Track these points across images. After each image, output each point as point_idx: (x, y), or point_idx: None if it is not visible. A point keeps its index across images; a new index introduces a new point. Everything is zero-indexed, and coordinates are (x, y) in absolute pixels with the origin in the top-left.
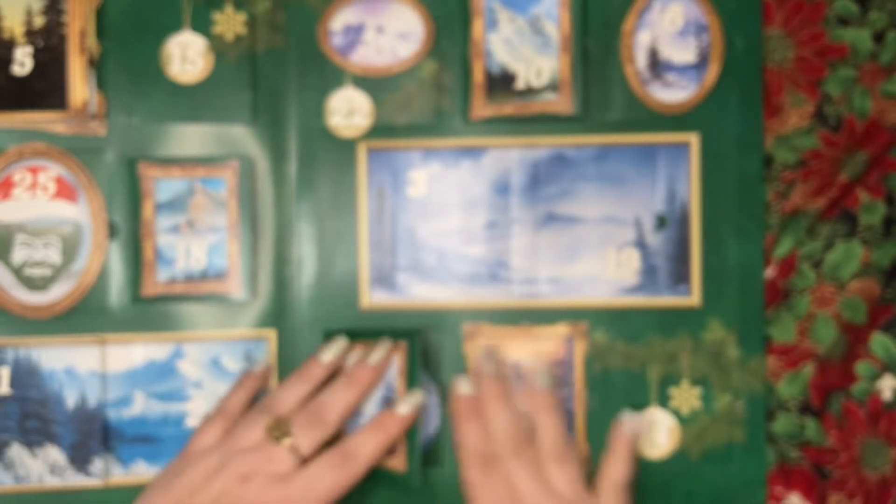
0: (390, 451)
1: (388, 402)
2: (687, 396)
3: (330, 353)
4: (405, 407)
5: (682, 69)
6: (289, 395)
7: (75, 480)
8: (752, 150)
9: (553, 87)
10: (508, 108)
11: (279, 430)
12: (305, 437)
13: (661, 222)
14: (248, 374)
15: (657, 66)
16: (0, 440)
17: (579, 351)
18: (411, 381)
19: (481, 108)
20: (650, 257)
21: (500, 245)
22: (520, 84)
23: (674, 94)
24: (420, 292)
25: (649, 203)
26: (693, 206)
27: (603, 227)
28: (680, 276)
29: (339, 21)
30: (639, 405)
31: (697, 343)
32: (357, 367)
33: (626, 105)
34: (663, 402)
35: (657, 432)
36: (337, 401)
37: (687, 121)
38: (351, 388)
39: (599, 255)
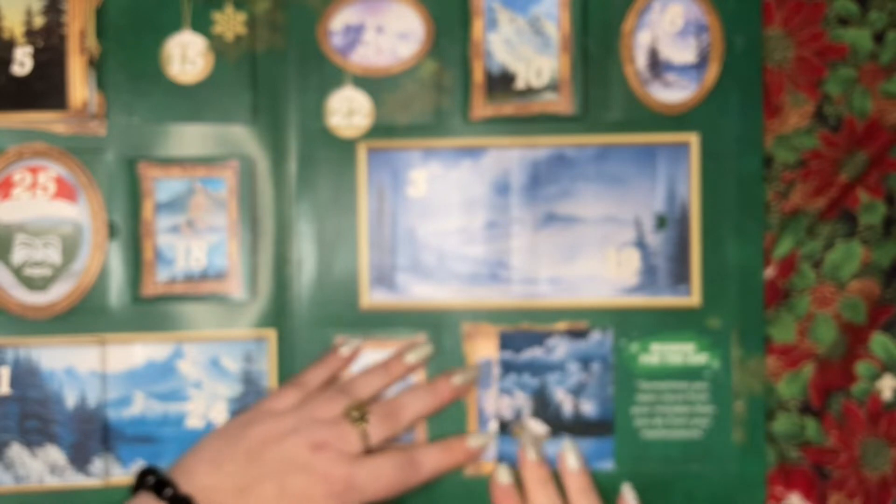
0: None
1: None
2: None
3: (415, 356)
4: (477, 441)
5: (682, 69)
6: (369, 384)
7: (75, 480)
8: (752, 150)
9: (553, 87)
10: (508, 107)
11: (358, 412)
12: (377, 429)
13: (661, 222)
14: (334, 353)
15: (657, 66)
16: (0, 440)
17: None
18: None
19: (481, 108)
20: (650, 257)
21: (500, 245)
22: (520, 84)
23: (674, 93)
24: (420, 292)
25: (649, 203)
26: (693, 206)
27: (603, 227)
28: (680, 276)
29: (339, 21)
30: None
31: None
32: (441, 381)
33: (626, 105)
34: None
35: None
36: (414, 405)
37: (687, 121)
38: (430, 397)
39: (599, 254)
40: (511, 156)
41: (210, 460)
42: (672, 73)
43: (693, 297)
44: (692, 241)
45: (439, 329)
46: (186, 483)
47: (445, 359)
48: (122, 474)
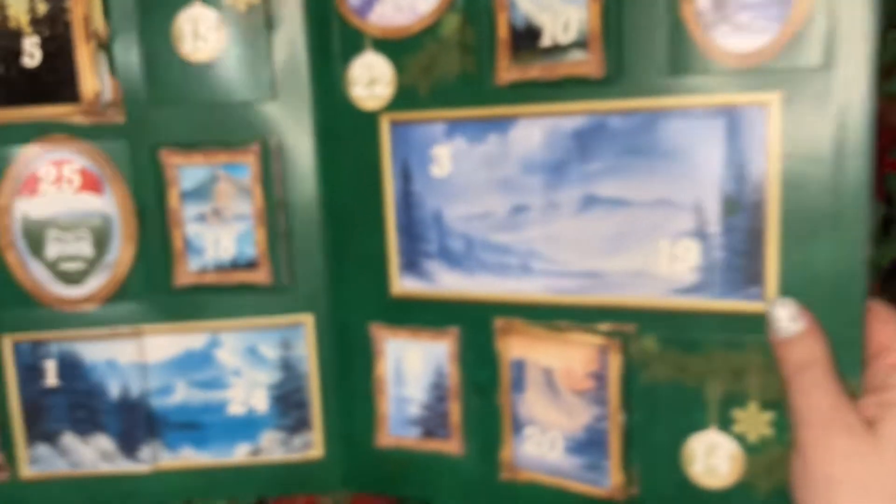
0: None
1: (438, 389)
2: (755, 421)
3: None
4: None
5: (760, 5)
6: None
7: (126, 466)
8: None
9: (581, 43)
10: (534, 70)
11: None
12: None
13: (729, 207)
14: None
15: (725, 2)
16: (54, 429)
17: (615, 363)
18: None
19: (507, 70)
20: (712, 251)
21: (531, 232)
22: (545, 40)
23: (747, 40)
24: (449, 281)
25: (713, 183)
26: (771, 187)
27: (654, 213)
28: (750, 276)
29: None
30: (694, 427)
31: (770, 358)
32: None
33: (682, 58)
34: (725, 425)
35: (717, 458)
36: None
37: (765, 75)
38: None
39: (649, 246)
40: (543, 126)
41: None
42: (746, 11)
43: (767, 303)
44: (768, 232)
45: (470, 323)
46: None
47: (478, 356)
48: (171, 459)
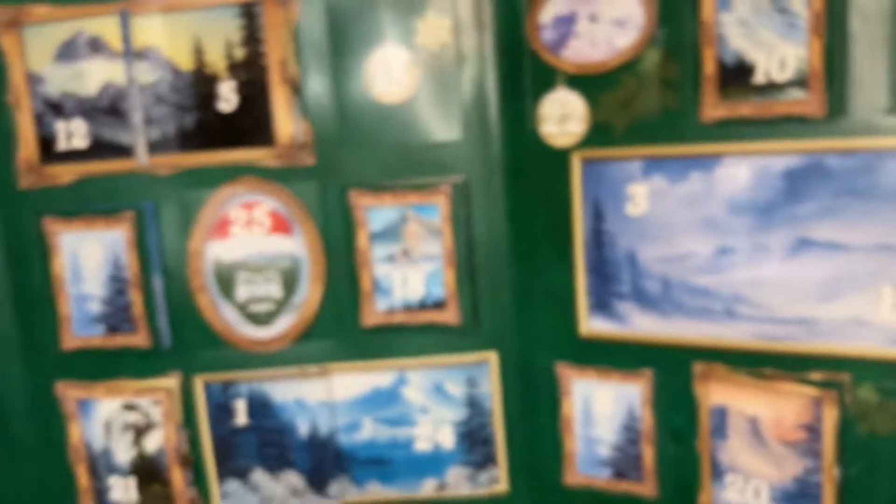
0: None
1: (630, 431)
2: None
3: None
4: None
5: None
6: None
7: (315, 501)
8: None
9: (800, 81)
10: (745, 107)
11: None
12: None
13: None
14: None
15: None
16: (244, 465)
17: (830, 415)
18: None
19: (713, 106)
20: None
21: (738, 275)
22: (759, 77)
23: None
24: (643, 324)
25: None
26: None
27: (874, 258)
28: None
29: (549, 12)
30: None
31: None
32: None
33: None
34: None
35: None
36: None
37: None
38: None
39: (869, 292)
40: (751, 166)
41: None
42: None
43: None
44: None
45: (666, 366)
46: None
47: (674, 400)
48: (358, 494)
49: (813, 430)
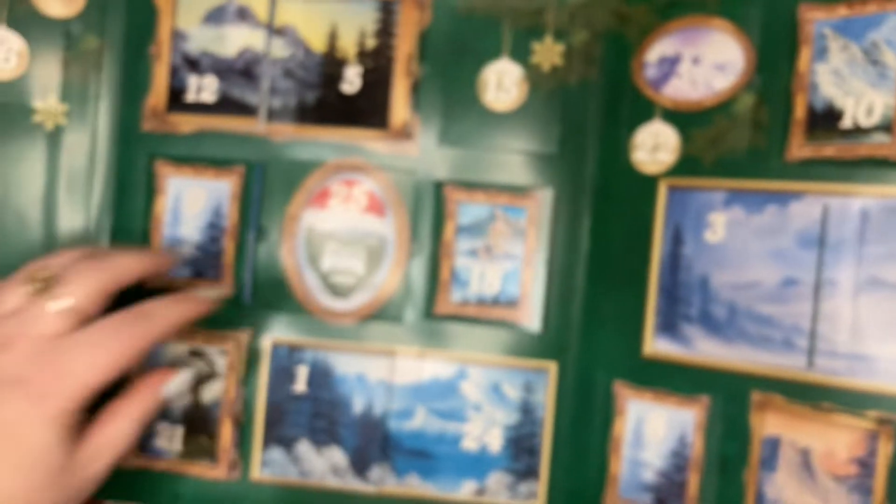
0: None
1: (678, 457)
2: None
3: (209, 293)
4: (209, 293)
5: None
6: (74, 268)
7: (353, 484)
8: None
9: (885, 126)
10: (829, 149)
11: (40, 281)
12: (77, 288)
13: None
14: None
15: None
16: (291, 434)
17: (884, 450)
18: None
19: (799, 147)
20: None
21: (800, 307)
22: (846, 122)
23: None
24: (706, 348)
25: None
26: None
27: None
28: None
29: (656, 52)
30: None
31: None
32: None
33: None
34: None
35: None
36: (124, 262)
37: None
38: (144, 263)
39: None
40: (828, 205)
41: None
42: None
43: None
44: None
45: (724, 393)
46: None
47: (728, 428)
48: (396, 484)
49: (865, 464)
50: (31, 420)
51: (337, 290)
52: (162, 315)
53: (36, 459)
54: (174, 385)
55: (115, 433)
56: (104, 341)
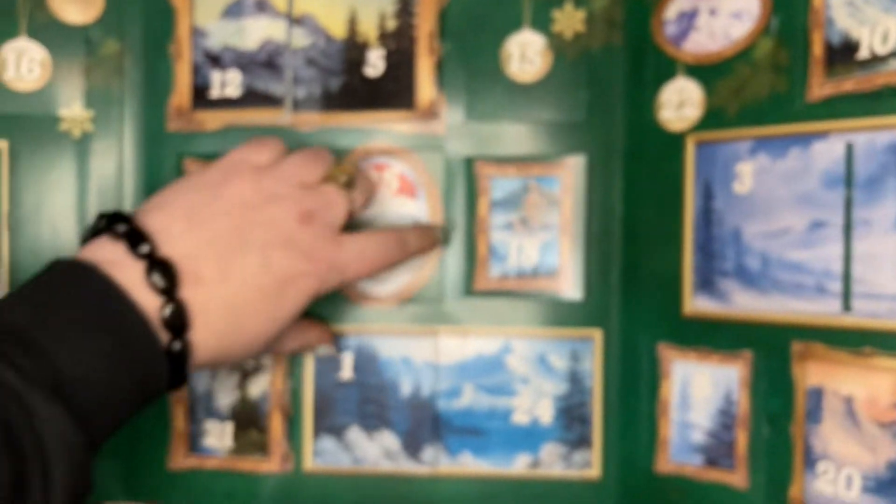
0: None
1: (725, 416)
2: None
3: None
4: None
5: None
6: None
7: (407, 466)
8: None
9: None
10: (849, 83)
11: (345, 176)
12: (360, 199)
13: None
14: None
15: None
16: (341, 422)
17: None
18: None
19: (819, 86)
20: None
21: (830, 250)
22: (863, 52)
23: None
24: (743, 301)
25: None
26: None
27: None
28: None
29: (674, 9)
30: None
31: None
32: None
33: None
34: None
35: None
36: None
37: None
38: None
39: None
40: (852, 142)
41: (186, 218)
42: None
43: None
44: None
45: (765, 346)
46: (164, 243)
47: (772, 382)
48: (450, 464)
49: None
50: (299, 289)
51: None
52: (414, 243)
53: (285, 319)
54: (328, 349)
55: (295, 333)
56: (369, 251)
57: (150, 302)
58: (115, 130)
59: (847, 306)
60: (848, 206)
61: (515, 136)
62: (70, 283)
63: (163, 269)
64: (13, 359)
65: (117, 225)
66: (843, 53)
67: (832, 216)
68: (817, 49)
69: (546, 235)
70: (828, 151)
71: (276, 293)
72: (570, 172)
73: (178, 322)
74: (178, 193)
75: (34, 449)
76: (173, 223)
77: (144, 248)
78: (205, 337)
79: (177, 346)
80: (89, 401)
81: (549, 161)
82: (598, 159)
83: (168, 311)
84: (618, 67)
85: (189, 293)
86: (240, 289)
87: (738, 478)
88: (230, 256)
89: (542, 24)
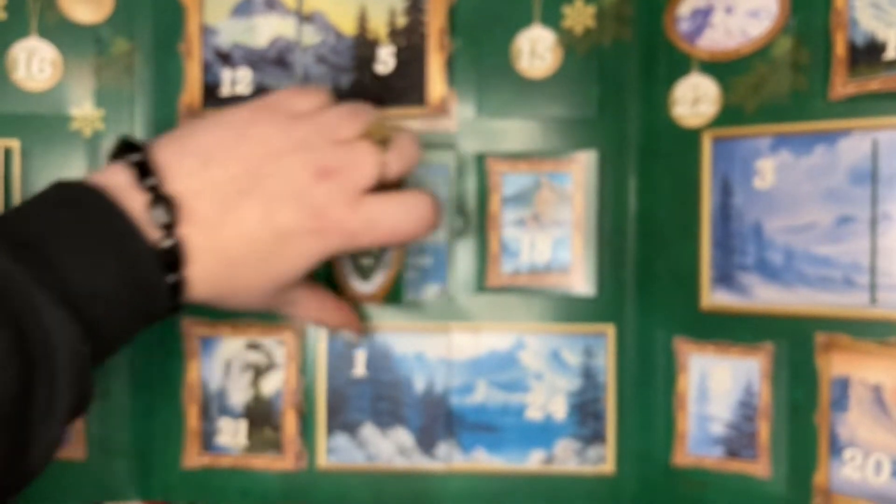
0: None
1: (746, 407)
2: None
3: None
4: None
5: None
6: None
7: (421, 463)
8: None
9: None
10: (875, 83)
11: (382, 135)
12: (395, 164)
13: None
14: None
15: None
16: (355, 420)
17: None
18: None
19: (842, 85)
20: None
21: (858, 244)
22: (890, 54)
23: None
24: (766, 295)
25: None
26: None
27: None
28: None
29: (687, 6)
30: None
31: None
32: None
33: None
34: None
35: None
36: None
37: None
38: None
39: None
40: (876, 139)
41: (202, 155)
42: None
43: None
44: None
45: (787, 338)
46: (172, 179)
47: (794, 372)
48: (464, 460)
49: None
50: (300, 248)
51: (362, 273)
52: (438, 214)
53: (282, 278)
54: (352, 336)
55: (311, 303)
56: (389, 220)
57: (150, 233)
58: (126, 129)
59: (873, 298)
60: (874, 201)
61: (526, 132)
62: (79, 203)
63: (165, 205)
64: (25, 264)
65: (132, 154)
66: (868, 53)
67: (859, 211)
68: (840, 49)
69: (558, 231)
70: (854, 148)
71: (273, 249)
72: (582, 168)
73: (173, 258)
74: (203, 128)
75: (43, 354)
76: (185, 159)
77: (151, 181)
78: (200, 276)
79: (171, 279)
80: (95, 314)
81: (560, 157)
82: (610, 155)
83: (165, 244)
84: (629, 63)
85: (187, 231)
86: (234, 238)
87: (760, 467)
88: (233, 203)
89: (552, 19)
